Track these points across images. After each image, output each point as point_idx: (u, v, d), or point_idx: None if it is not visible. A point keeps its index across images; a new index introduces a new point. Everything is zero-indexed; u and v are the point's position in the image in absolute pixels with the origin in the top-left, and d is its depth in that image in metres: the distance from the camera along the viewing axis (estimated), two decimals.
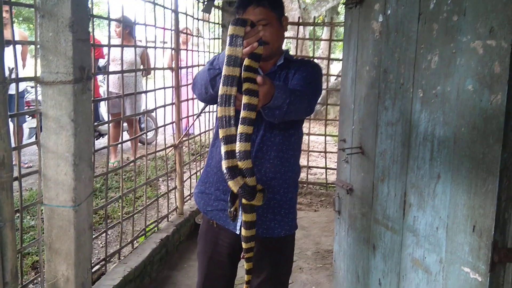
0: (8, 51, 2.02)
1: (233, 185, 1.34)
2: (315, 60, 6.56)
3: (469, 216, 1.63)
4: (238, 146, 1.31)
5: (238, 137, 1.31)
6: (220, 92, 1.31)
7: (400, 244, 1.98)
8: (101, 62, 6.11)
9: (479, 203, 1.57)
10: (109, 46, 2.86)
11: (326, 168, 5.18)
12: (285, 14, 1.82)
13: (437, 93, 1.78)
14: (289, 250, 1.95)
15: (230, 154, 1.32)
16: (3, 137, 1.83)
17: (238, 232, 1.76)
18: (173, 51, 3.74)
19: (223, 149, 1.33)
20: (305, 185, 5.17)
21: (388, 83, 2.02)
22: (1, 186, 1.84)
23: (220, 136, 1.33)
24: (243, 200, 1.46)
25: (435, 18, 1.79)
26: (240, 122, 1.31)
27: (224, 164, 1.32)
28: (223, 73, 1.30)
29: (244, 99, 1.33)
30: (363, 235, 2.19)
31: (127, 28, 5.02)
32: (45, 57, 2.10)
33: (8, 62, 2.23)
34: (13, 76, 2.04)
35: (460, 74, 1.67)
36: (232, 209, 1.51)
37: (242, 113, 1.32)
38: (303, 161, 6.03)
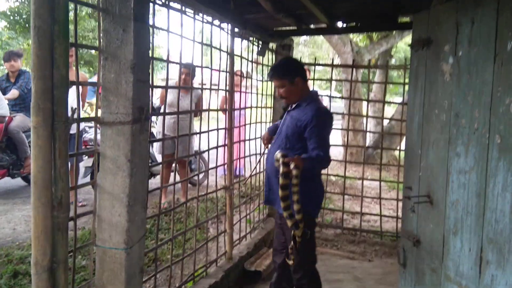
0: (71, 91, 2.05)
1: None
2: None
3: None
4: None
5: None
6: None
7: None
8: (155, 104, 6.24)
9: None
10: (166, 87, 2.89)
11: (380, 215, 4.94)
12: (297, 77, 2.67)
13: None
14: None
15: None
16: (62, 177, 1.83)
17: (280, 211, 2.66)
18: (227, 93, 3.75)
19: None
20: (358, 232, 4.94)
21: (460, 127, 1.88)
22: (58, 226, 1.83)
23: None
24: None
25: None
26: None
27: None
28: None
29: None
30: None
31: (190, 74, 5.10)
32: (106, 98, 2.12)
33: (70, 102, 2.27)
34: (75, 116, 2.06)
35: None
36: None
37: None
38: (355, 207, 5.82)
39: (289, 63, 2.81)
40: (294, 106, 2.72)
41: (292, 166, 2.17)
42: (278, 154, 2.28)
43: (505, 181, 1.67)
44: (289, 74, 2.67)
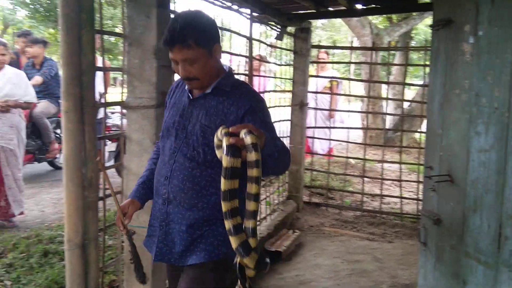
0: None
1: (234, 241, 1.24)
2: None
3: None
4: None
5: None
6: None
7: (494, 280, 1.82)
8: None
9: None
10: None
11: (401, 198, 4.96)
12: (217, 43, 1.65)
13: None
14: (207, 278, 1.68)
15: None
16: (92, 159, 1.91)
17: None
18: (246, 77, 3.80)
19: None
20: (377, 214, 4.97)
21: (481, 107, 1.89)
22: (88, 205, 1.91)
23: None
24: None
25: None
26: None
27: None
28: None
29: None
30: (452, 269, 2.03)
31: None
32: (131, 83, 2.19)
33: (97, 87, 2.34)
34: (102, 100, 2.14)
35: None
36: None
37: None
38: (375, 189, 5.83)
39: (204, 21, 1.62)
40: (208, 91, 1.68)
41: (248, 138, 1.18)
42: (219, 130, 1.31)
43: None
44: (208, 40, 1.61)
